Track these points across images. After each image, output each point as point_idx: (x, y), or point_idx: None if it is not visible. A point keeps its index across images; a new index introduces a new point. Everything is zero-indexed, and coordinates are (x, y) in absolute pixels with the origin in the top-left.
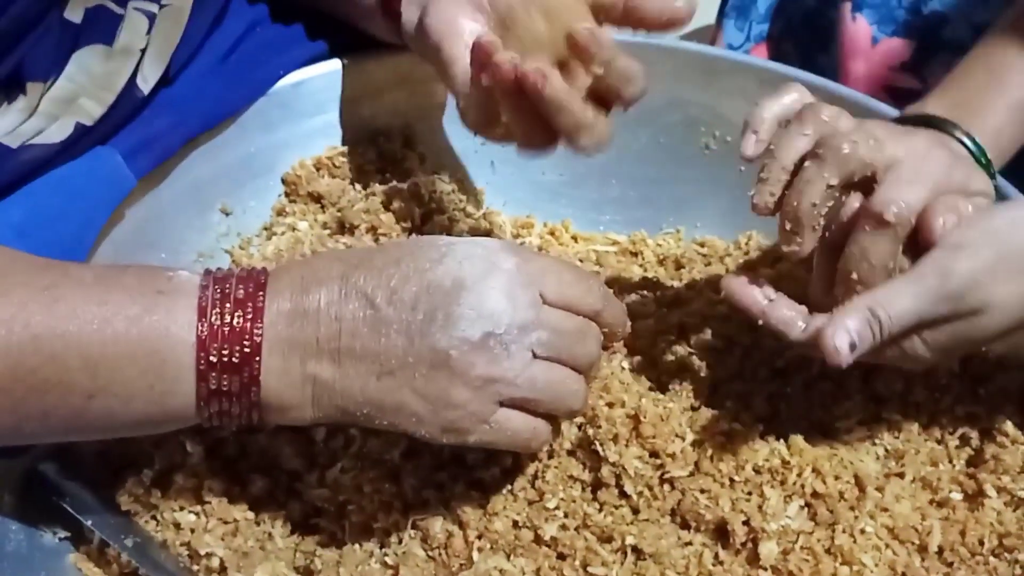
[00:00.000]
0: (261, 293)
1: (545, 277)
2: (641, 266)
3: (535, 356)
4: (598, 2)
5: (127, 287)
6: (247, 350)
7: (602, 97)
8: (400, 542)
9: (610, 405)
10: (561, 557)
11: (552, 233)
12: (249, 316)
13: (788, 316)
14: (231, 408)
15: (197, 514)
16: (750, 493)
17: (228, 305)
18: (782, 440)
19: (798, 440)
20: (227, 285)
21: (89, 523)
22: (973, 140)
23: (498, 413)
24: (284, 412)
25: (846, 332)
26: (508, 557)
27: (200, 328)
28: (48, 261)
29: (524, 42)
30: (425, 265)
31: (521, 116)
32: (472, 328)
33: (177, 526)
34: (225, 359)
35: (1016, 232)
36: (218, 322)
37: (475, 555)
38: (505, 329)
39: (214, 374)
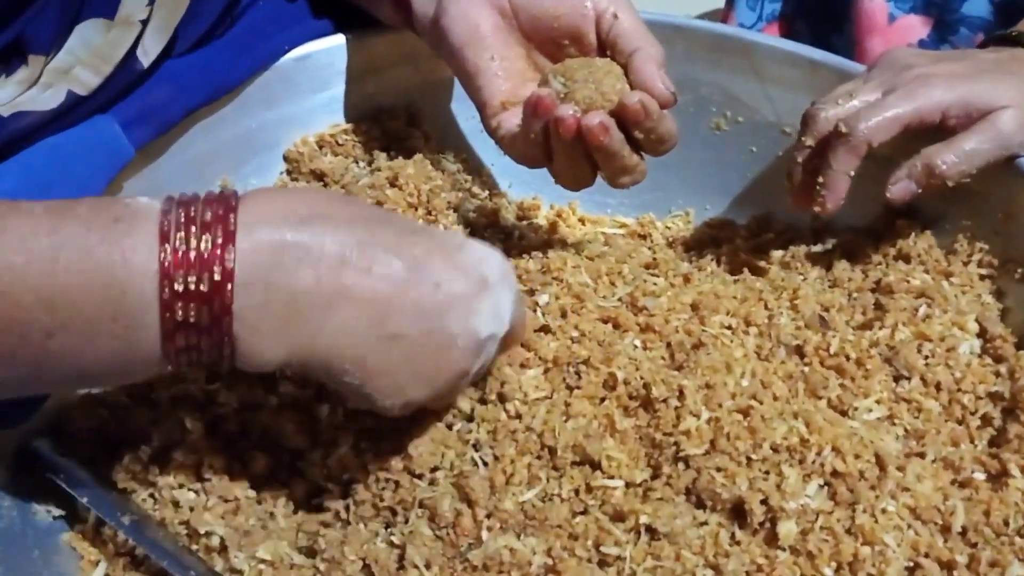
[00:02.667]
0: (232, 216)
1: (520, 300)
2: (650, 248)
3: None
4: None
5: (80, 216)
6: (216, 278)
7: (636, 142)
8: (407, 521)
9: (626, 383)
10: (572, 537)
11: (559, 215)
12: (219, 240)
13: None
14: (200, 342)
15: (196, 492)
16: (768, 472)
17: (194, 228)
18: (800, 419)
19: (817, 418)
20: (192, 208)
21: (84, 501)
22: None
23: None
24: (255, 352)
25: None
26: (518, 536)
27: (162, 254)
28: None
29: (579, 104)
30: (449, 247)
31: (571, 159)
32: (485, 326)
33: (176, 504)
34: (192, 287)
35: None
36: (183, 247)
37: (484, 534)
38: (500, 335)
39: (180, 304)
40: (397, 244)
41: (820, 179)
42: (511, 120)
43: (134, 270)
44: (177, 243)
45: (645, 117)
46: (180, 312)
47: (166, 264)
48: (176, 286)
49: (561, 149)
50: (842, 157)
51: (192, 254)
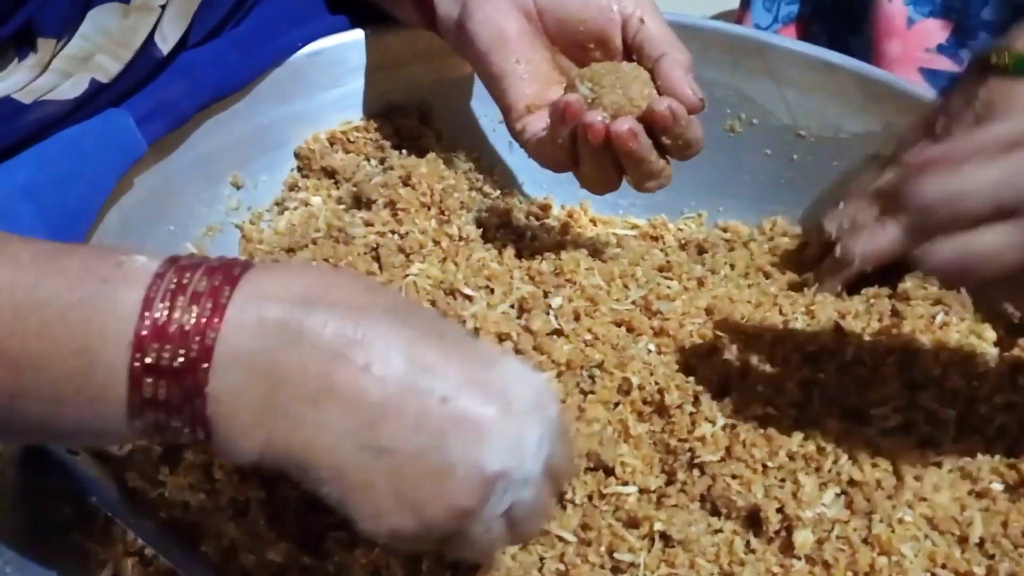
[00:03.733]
0: (228, 288)
1: (561, 438)
2: (662, 250)
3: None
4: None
5: (66, 271)
6: (193, 355)
7: (663, 146)
8: None
9: (640, 388)
10: (585, 543)
11: (570, 215)
12: (206, 314)
13: None
14: (170, 422)
15: (207, 492)
16: (784, 480)
17: (181, 299)
18: (816, 426)
19: (834, 426)
20: (187, 275)
21: (94, 500)
22: None
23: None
24: (229, 442)
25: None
26: (525, 544)
27: (139, 323)
28: None
29: (607, 109)
30: (472, 360)
31: (599, 164)
32: (494, 459)
33: (186, 505)
34: (164, 362)
35: None
36: (163, 317)
37: None
38: (519, 476)
39: (150, 380)
40: (409, 343)
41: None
42: (536, 124)
43: (107, 339)
44: (159, 313)
45: (674, 123)
46: (149, 389)
47: (142, 334)
48: (148, 359)
49: (589, 154)
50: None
51: (172, 327)
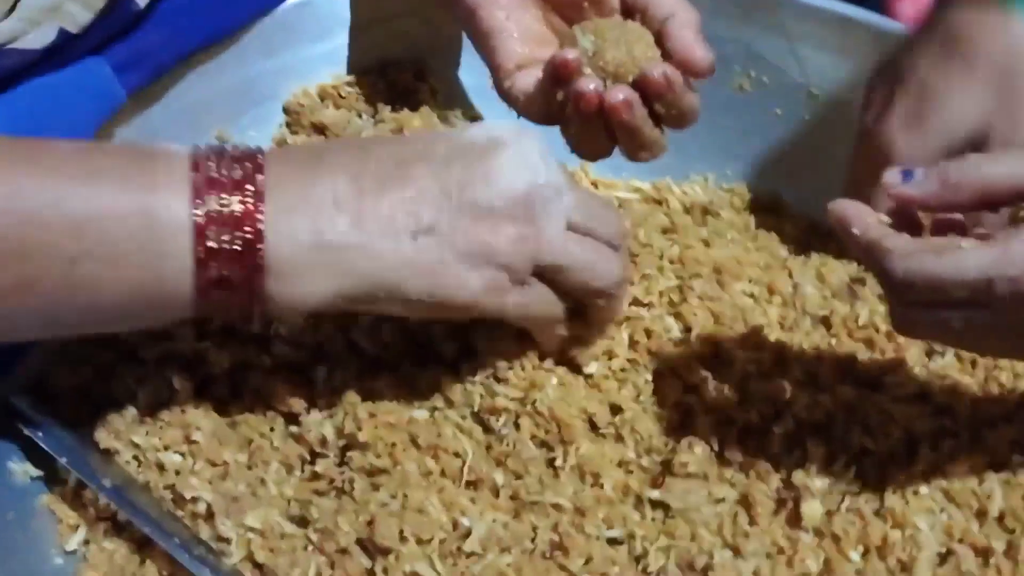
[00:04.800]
0: (260, 175)
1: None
2: (666, 214)
3: (568, 226)
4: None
5: (110, 152)
6: (249, 236)
7: (657, 115)
8: (405, 493)
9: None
10: (580, 512)
11: (572, 177)
12: (250, 201)
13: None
14: (231, 299)
15: (183, 455)
16: (791, 448)
17: (223, 191)
18: (827, 392)
19: (844, 392)
20: (222, 168)
21: (64, 461)
22: None
23: (533, 279)
24: (297, 300)
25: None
26: (517, 513)
27: (195, 207)
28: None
29: (606, 70)
30: (451, 132)
31: (591, 131)
32: (516, 180)
33: (161, 467)
34: (225, 245)
35: None
36: (215, 206)
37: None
38: (544, 184)
39: (214, 263)
40: (401, 147)
41: None
42: (525, 79)
43: (165, 197)
44: (211, 202)
45: (668, 90)
46: (214, 270)
47: (198, 223)
48: (210, 243)
49: (579, 120)
50: None
51: (225, 212)
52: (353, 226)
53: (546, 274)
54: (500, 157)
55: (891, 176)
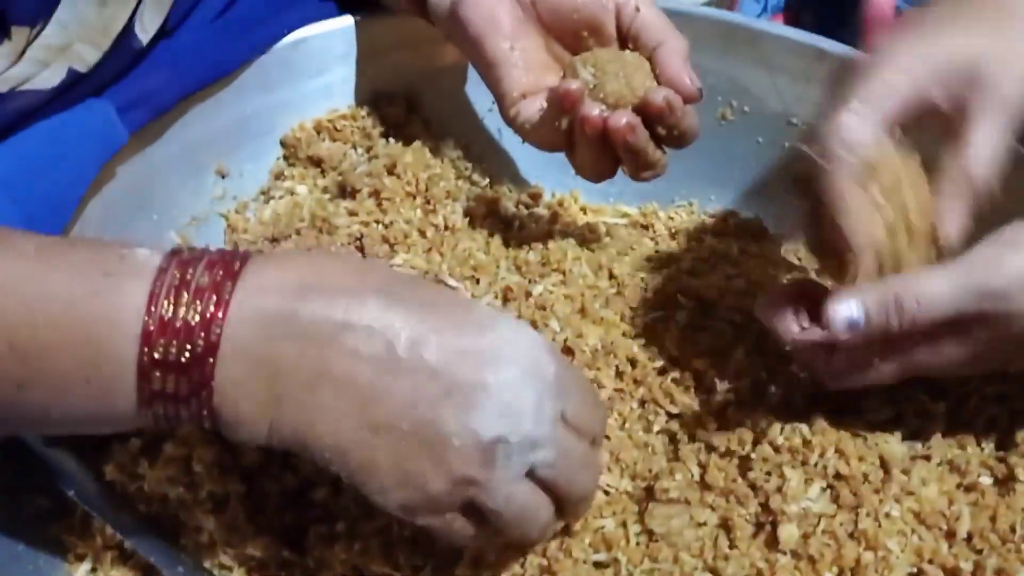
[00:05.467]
0: (230, 283)
1: (573, 392)
2: (652, 239)
3: (530, 474)
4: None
5: (72, 265)
6: (199, 349)
7: (658, 137)
8: (399, 520)
9: (619, 375)
10: (569, 536)
11: (560, 204)
12: (210, 310)
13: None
14: (178, 412)
15: (186, 486)
16: (769, 473)
17: (185, 294)
18: (802, 418)
19: (820, 419)
20: (189, 270)
21: (72, 493)
22: None
23: (457, 513)
24: (236, 428)
25: (850, 304)
26: None
27: (147, 318)
28: None
29: (606, 101)
30: (463, 327)
31: (596, 154)
32: (489, 425)
33: (164, 498)
34: (172, 357)
35: None
36: (168, 313)
37: None
38: (519, 439)
39: (158, 373)
40: (399, 321)
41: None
42: (530, 108)
43: (115, 333)
44: (164, 309)
45: (670, 114)
46: (158, 382)
47: (149, 330)
48: (156, 354)
49: (585, 143)
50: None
51: (178, 322)
52: (307, 388)
53: (473, 509)
54: (486, 394)
55: (838, 324)
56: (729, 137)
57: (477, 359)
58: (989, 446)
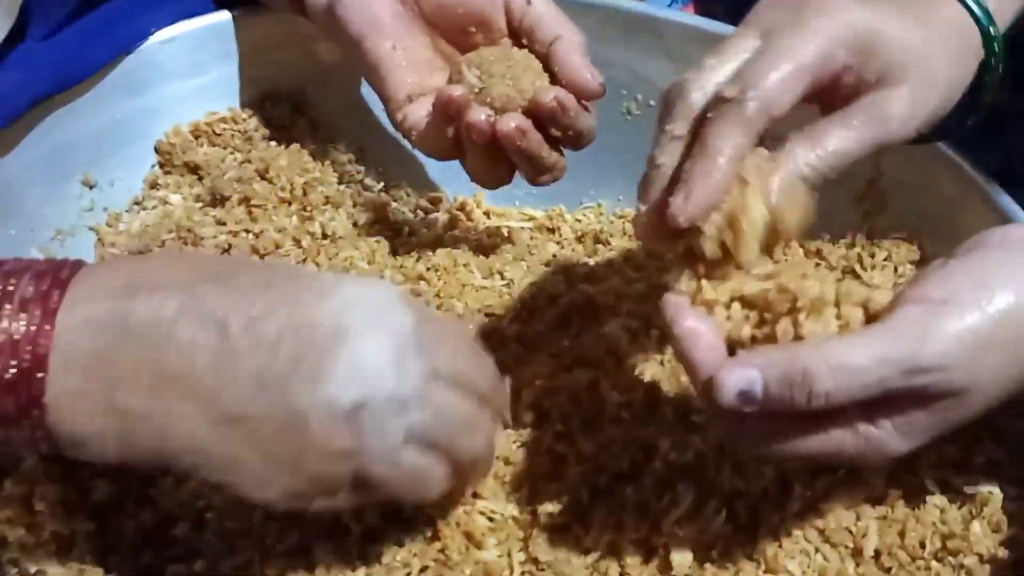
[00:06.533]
0: (57, 292)
1: (442, 345)
2: (558, 243)
3: (412, 438)
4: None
5: None
6: (26, 364)
7: (554, 139)
8: (264, 554)
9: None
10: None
11: (462, 208)
12: (36, 322)
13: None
14: (10, 434)
15: (27, 527)
16: (661, 492)
17: (8, 306)
18: (694, 432)
19: (715, 432)
20: (12, 281)
21: None
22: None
23: (349, 491)
24: (80, 447)
25: (746, 373)
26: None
27: None
28: None
29: (493, 105)
30: (302, 298)
31: (488, 161)
32: (344, 392)
33: (4, 541)
34: None
35: (1017, 283)
36: None
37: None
38: (383, 401)
39: None
40: (232, 306)
41: (687, 169)
42: (418, 112)
43: None
44: None
45: (562, 114)
46: None
47: None
48: None
49: (475, 150)
50: (729, 134)
51: (1, 337)
52: (149, 393)
53: (359, 481)
54: (337, 357)
55: (726, 394)
56: (636, 133)
57: (320, 327)
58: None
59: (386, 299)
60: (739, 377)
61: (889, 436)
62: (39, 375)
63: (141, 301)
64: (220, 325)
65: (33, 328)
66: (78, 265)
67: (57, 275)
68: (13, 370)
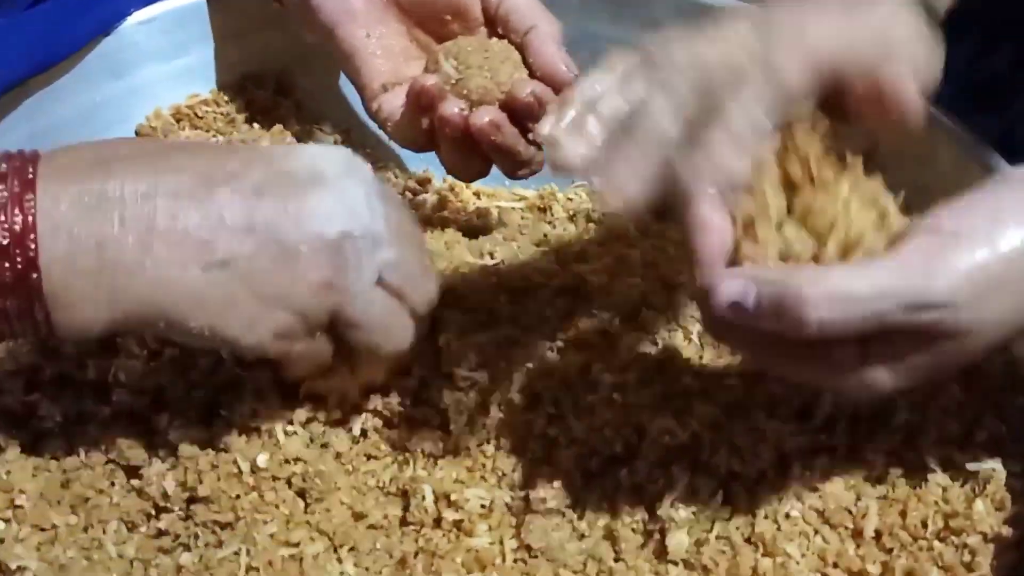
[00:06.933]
0: (31, 167)
1: (390, 197)
2: (549, 223)
3: (380, 280)
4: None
5: None
6: (17, 227)
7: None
8: (255, 543)
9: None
10: (439, 557)
11: (452, 189)
12: (17, 188)
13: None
14: (6, 304)
15: (7, 521)
16: (656, 475)
17: None
18: (690, 412)
19: (709, 411)
20: None
21: None
22: None
23: (324, 335)
24: (72, 309)
25: (742, 284)
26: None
27: None
28: None
29: (470, 98)
30: (272, 154)
31: (463, 154)
32: (329, 224)
33: None
34: None
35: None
36: None
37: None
38: (361, 233)
39: None
40: (209, 163)
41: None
42: (393, 102)
43: None
44: None
45: (539, 109)
46: None
47: None
48: None
49: (449, 144)
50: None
51: None
52: (138, 247)
53: (338, 325)
54: (317, 196)
55: (721, 297)
56: None
57: (297, 175)
58: (899, 433)
59: (346, 155)
60: (734, 288)
61: (880, 374)
62: (31, 236)
63: (116, 170)
64: (202, 176)
65: (17, 191)
66: (35, 158)
67: (22, 155)
68: (6, 234)
